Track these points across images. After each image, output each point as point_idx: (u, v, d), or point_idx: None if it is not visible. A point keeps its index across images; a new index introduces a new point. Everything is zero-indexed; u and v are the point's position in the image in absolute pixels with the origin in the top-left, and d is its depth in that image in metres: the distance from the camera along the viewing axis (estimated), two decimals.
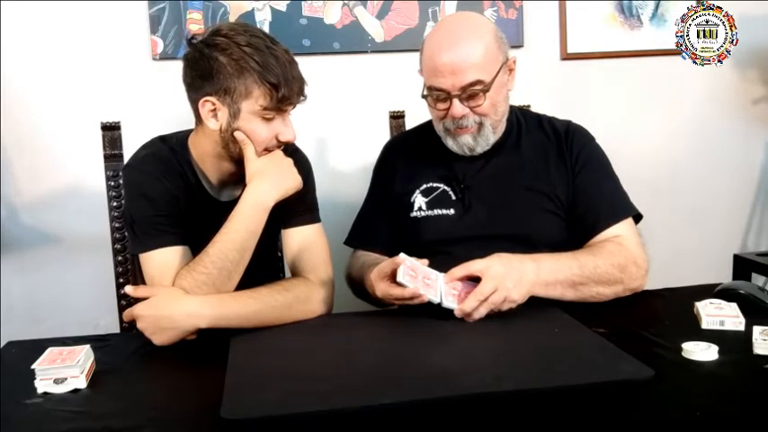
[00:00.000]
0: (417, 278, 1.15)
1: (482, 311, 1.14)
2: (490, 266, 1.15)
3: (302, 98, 1.23)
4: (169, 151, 1.29)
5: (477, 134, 1.36)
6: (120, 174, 1.57)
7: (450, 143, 1.38)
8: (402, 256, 1.17)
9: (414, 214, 1.43)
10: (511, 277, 1.15)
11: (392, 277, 1.17)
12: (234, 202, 1.24)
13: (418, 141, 1.51)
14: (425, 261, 1.20)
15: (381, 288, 1.20)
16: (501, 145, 1.43)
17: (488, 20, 1.41)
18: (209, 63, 1.18)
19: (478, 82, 1.30)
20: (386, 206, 1.48)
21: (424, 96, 1.37)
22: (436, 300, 1.14)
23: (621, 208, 1.37)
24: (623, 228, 1.34)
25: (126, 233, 1.52)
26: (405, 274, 1.14)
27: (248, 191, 1.22)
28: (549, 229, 1.37)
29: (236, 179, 1.30)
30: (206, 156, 1.28)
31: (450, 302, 1.15)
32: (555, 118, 1.49)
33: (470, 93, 1.31)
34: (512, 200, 1.39)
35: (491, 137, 1.37)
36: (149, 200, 1.23)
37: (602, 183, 1.40)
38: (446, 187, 1.42)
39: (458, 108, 1.32)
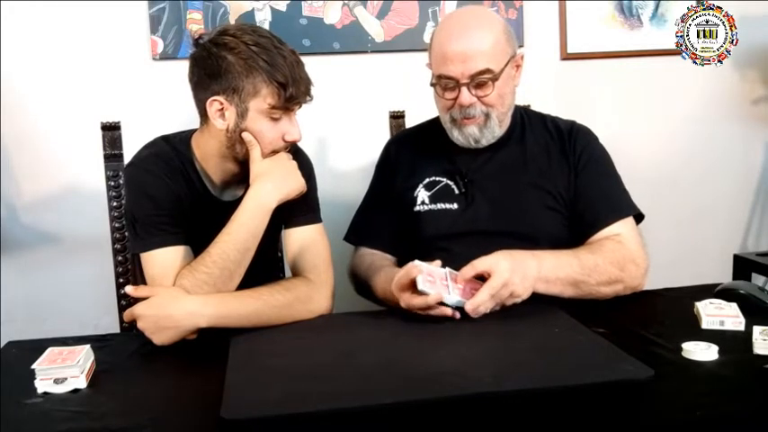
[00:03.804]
0: (435, 283, 1.15)
1: (489, 305, 1.14)
2: (498, 262, 1.15)
3: (309, 98, 1.24)
4: (172, 151, 1.29)
5: (484, 126, 1.36)
6: (121, 174, 1.57)
7: (455, 134, 1.39)
8: (416, 262, 1.17)
9: (417, 208, 1.43)
10: (517, 273, 1.16)
11: (412, 287, 1.15)
12: (236, 203, 1.24)
13: (421, 137, 1.51)
14: (438, 262, 1.20)
15: (405, 299, 1.18)
16: (505, 141, 1.43)
17: (497, 15, 1.43)
18: (217, 62, 1.18)
19: (487, 71, 1.31)
20: (388, 202, 1.48)
21: (432, 85, 1.38)
22: (454, 301, 1.14)
23: (622, 207, 1.38)
24: (623, 226, 1.34)
25: (126, 233, 1.52)
26: (425, 282, 1.13)
27: (251, 192, 1.22)
28: (550, 226, 1.38)
29: (239, 179, 1.30)
30: (210, 156, 1.28)
31: (457, 299, 1.14)
32: (559, 118, 1.49)
33: (479, 81, 1.32)
34: (514, 196, 1.39)
35: (497, 129, 1.38)
36: (152, 199, 1.23)
37: (603, 181, 1.40)
38: (449, 181, 1.42)
39: (466, 96, 1.32)
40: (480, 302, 1.13)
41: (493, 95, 1.34)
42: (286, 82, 1.18)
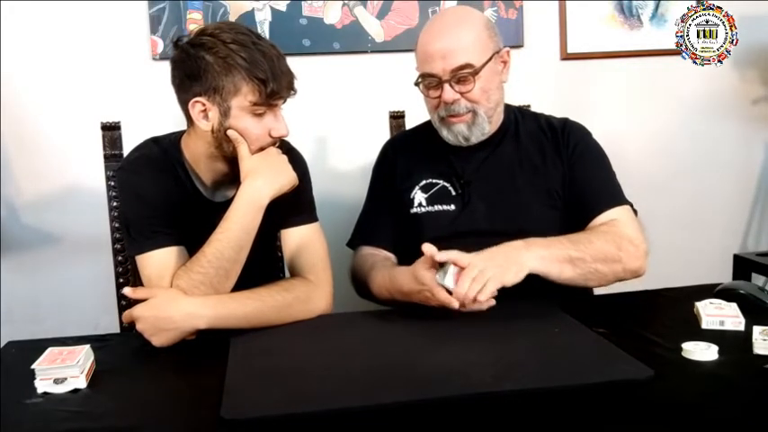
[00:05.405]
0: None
1: (477, 288, 1.12)
2: (475, 265, 1.15)
3: (292, 92, 1.22)
4: (162, 153, 1.28)
5: (472, 123, 1.37)
6: None
7: (445, 133, 1.39)
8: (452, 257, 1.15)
9: (414, 210, 1.43)
10: (492, 265, 1.15)
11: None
12: (228, 203, 1.23)
13: (418, 139, 1.52)
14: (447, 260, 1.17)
15: (443, 296, 1.16)
16: (500, 141, 1.44)
17: (480, 12, 1.43)
18: (196, 63, 1.17)
19: (468, 65, 1.32)
20: (387, 202, 1.48)
21: (416, 84, 1.39)
22: None
23: (617, 194, 1.39)
24: (619, 212, 1.35)
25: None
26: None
27: (243, 189, 1.21)
28: (547, 224, 1.38)
29: (230, 180, 1.29)
30: (199, 157, 1.27)
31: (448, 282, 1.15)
32: (552, 116, 1.50)
33: (460, 76, 1.33)
34: (511, 195, 1.40)
35: (486, 125, 1.38)
36: (144, 201, 1.22)
37: (598, 172, 1.41)
38: (446, 183, 1.43)
39: (448, 93, 1.33)
40: (462, 290, 1.12)
41: (476, 91, 1.34)
42: (266, 78, 1.16)
